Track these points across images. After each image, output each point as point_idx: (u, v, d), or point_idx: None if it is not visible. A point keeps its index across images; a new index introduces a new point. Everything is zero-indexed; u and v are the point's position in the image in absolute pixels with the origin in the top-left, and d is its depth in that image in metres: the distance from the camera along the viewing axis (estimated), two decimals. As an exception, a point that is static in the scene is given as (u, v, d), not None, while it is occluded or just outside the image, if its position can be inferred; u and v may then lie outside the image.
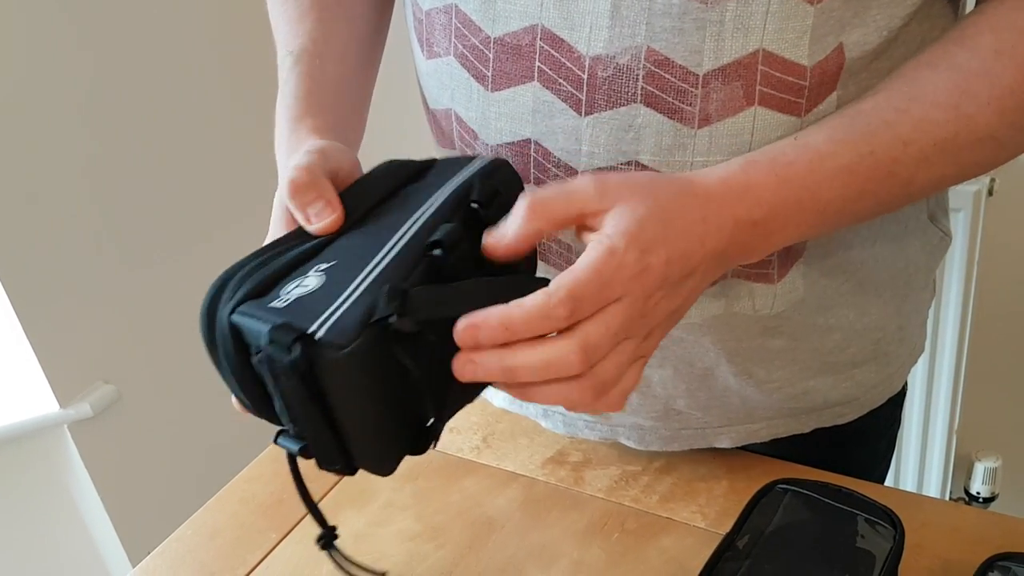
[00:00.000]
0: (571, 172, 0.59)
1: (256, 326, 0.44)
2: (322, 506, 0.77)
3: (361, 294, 0.45)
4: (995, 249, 1.44)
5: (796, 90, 0.54)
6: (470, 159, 0.55)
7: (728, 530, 0.59)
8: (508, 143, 0.60)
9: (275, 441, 0.48)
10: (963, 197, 1.34)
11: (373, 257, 0.48)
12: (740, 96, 0.54)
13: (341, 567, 0.57)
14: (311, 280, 0.47)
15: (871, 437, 0.80)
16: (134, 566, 0.74)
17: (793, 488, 0.61)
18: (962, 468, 1.66)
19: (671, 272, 0.47)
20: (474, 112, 0.61)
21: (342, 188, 0.53)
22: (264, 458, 0.85)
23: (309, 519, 0.76)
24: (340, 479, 0.80)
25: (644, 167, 0.57)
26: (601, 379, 0.46)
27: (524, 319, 0.44)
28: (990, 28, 0.53)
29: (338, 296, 0.45)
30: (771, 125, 0.55)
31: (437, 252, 0.48)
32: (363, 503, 0.77)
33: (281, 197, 0.54)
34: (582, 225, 0.48)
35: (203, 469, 1.36)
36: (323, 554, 0.72)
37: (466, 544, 0.71)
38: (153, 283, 1.56)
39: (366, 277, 0.46)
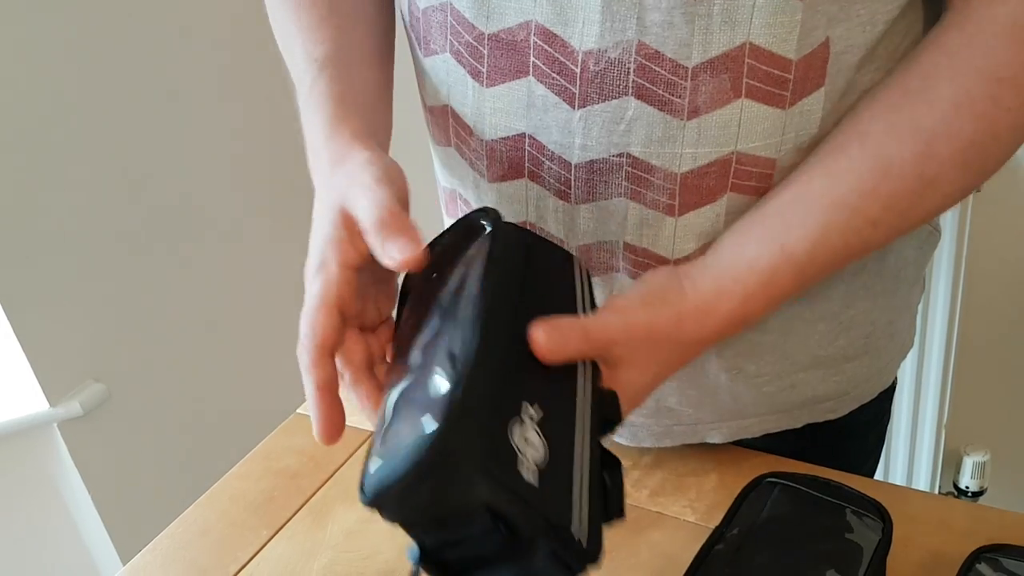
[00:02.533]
0: (565, 165, 0.59)
1: (526, 513, 0.40)
2: (314, 502, 0.77)
3: (588, 499, 0.44)
4: (983, 245, 1.45)
5: (781, 83, 0.55)
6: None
7: (718, 524, 0.59)
8: (503, 137, 0.61)
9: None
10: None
11: (572, 421, 0.46)
12: (728, 88, 0.54)
13: None
14: (534, 438, 0.43)
15: (861, 431, 0.81)
16: (124, 564, 0.74)
17: (782, 481, 0.62)
18: (951, 463, 1.67)
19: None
20: (469, 108, 0.62)
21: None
22: (255, 455, 0.84)
23: (300, 516, 0.76)
24: (332, 475, 0.80)
25: (635, 159, 0.58)
26: None
27: None
28: (949, 76, 0.54)
29: (570, 485, 0.43)
30: (757, 117, 0.55)
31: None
32: (355, 499, 0.76)
33: (333, 205, 0.53)
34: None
35: (193, 467, 1.36)
36: (313, 551, 0.72)
37: (457, 540, 0.71)
38: (143, 282, 1.55)
39: (580, 472, 0.44)
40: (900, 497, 0.69)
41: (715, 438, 0.74)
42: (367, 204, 0.50)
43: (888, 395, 0.81)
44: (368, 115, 0.62)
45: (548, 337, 0.47)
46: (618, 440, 0.76)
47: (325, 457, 0.83)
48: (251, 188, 1.74)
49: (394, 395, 0.46)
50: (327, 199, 0.54)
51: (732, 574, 0.54)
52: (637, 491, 0.74)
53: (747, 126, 0.56)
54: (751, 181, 0.58)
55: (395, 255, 0.48)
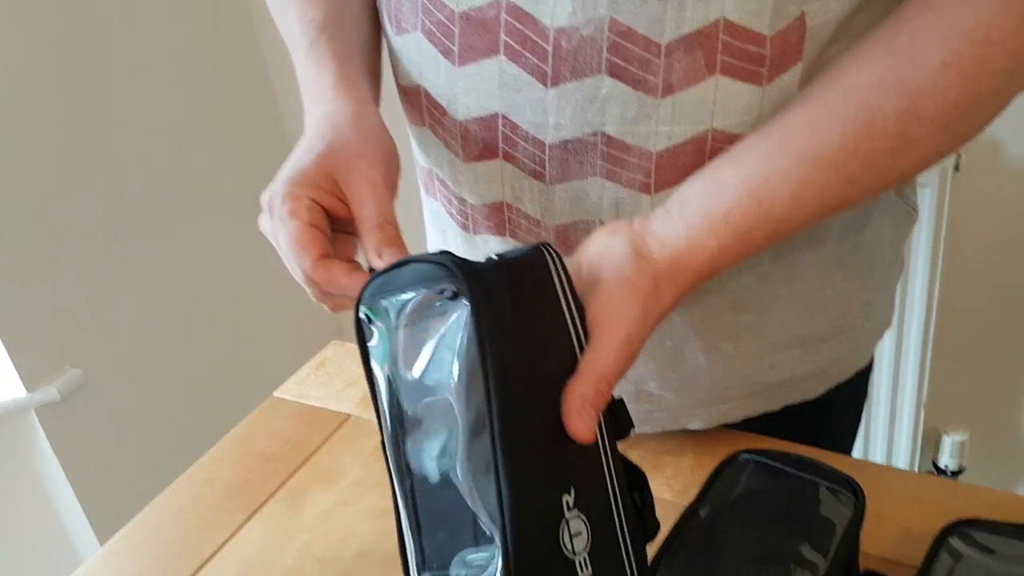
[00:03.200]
0: (539, 145, 0.59)
1: None
2: (290, 486, 0.77)
3: (632, 547, 0.46)
4: (961, 224, 1.45)
5: (757, 59, 0.54)
6: None
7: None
8: (476, 118, 0.60)
9: None
10: (930, 173, 1.34)
11: (601, 471, 0.45)
12: (701, 65, 0.54)
13: None
14: (577, 525, 0.43)
15: (838, 411, 0.81)
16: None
17: (756, 458, 0.62)
18: (930, 442, 1.68)
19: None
20: (442, 88, 0.61)
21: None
22: (230, 439, 0.84)
23: (276, 499, 0.76)
24: (307, 458, 0.80)
25: (610, 138, 0.57)
26: None
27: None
28: (939, 36, 0.52)
29: (617, 548, 0.45)
30: (733, 94, 0.55)
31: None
32: (331, 482, 0.77)
33: (325, 156, 0.56)
34: None
35: (170, 451, 1.35)
36: (289, 534, 0.72)
37: (434, 520, 0.71)
38: (119, 267, 1.54)
39: (620, 526, 0.45)
40: (877, 475, 0.70)
41: (695, 424, 0.74)
42: (372, 206, 0.55)
43: (865, 375, 0.81)
44: (364, 75, 0.64)
45: (585, 423, 0.44)
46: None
47: (301, 440, 0.82)
48: (228, 176, 1.72)
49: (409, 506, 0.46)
50: (318, 147, 0.56)
51: (706, 549, 0.54)
52: (614, 470, 0.74)
53: (722, 103, 0.55)
54: None
55: (389, 259, 0.52)
